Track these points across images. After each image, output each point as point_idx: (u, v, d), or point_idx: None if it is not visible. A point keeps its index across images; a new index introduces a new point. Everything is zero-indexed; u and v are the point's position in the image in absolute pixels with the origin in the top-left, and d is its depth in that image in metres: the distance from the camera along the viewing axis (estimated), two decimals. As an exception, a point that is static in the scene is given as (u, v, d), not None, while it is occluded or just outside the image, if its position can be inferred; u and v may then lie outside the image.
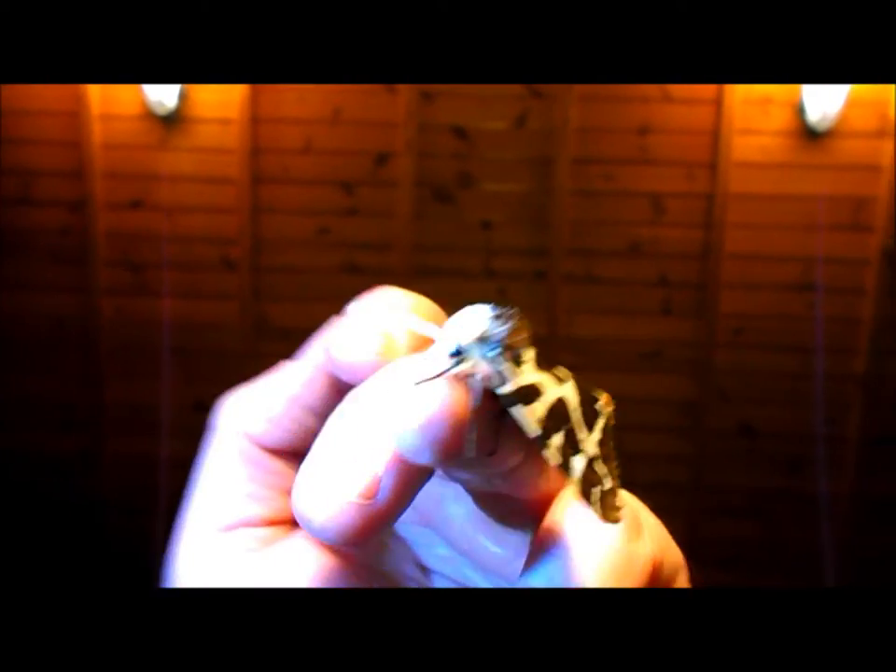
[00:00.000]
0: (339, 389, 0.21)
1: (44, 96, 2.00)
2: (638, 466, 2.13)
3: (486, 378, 0.19)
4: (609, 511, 0.20)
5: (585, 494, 0.19)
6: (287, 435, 0.22)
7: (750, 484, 2.09)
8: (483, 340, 0.20)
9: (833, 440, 2.03)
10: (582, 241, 2.04)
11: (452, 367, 0.19)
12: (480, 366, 0.19)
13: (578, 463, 0.20)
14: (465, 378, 0.19)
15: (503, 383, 0.20)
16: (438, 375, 0.18)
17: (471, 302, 0.22)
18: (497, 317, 0.20)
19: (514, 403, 0.20)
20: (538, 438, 0.19)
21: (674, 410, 2.10)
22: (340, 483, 0.18)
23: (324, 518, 0.18)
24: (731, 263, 2.00)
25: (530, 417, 0.20)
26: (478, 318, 0.20)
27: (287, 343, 1.67)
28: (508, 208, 2.05)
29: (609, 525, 0.19)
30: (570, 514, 0.20)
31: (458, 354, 0.19)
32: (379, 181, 2.04)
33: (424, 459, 0.17)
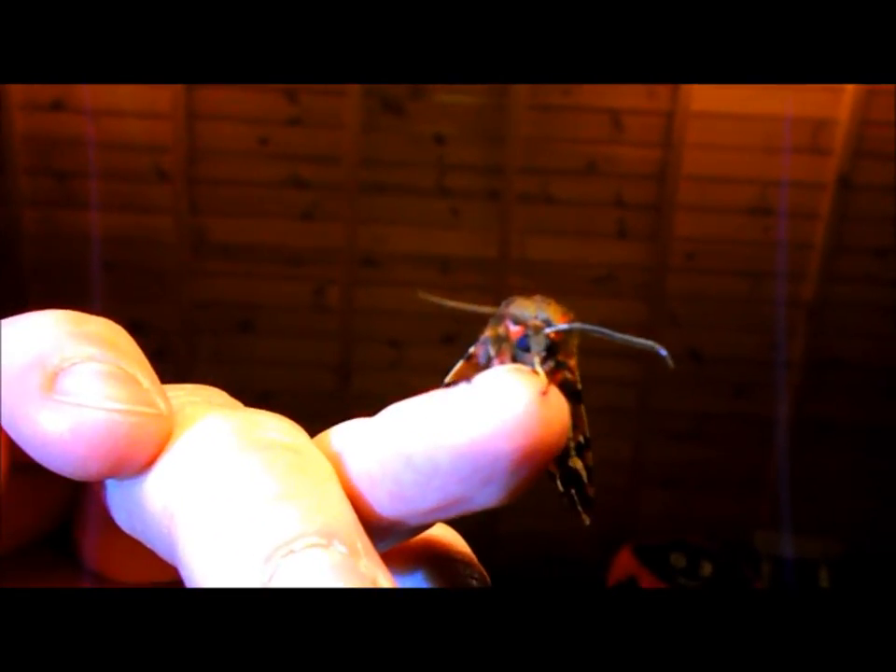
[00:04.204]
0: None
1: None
2: (587, 389, 2.12)
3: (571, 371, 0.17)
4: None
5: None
6: None
7: (696, 408, 2.12)
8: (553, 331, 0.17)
9: (778, 364, 2.06)
10: (538, 159, 1.96)
11: (544, 360, 0.17)
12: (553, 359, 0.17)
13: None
14: (552, 372, 0.17)
15: (575, 377, 0.18)
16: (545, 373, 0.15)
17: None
18: (548, 304, 0.18)
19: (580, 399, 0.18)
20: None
21: (623, 333, 2.09)
22: None
23: None
24: (687, 185, 1.96)
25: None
26: (540, 306, 0.18)
27: (228, 259, 1.57)
28: (461, 122, 1.96)
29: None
30: None
31: (551, 349, 0.17)
32: (325, 89, 1.91)
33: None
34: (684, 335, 2.07)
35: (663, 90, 1.91)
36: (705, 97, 1.91)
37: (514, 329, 0.17)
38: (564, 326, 0.17)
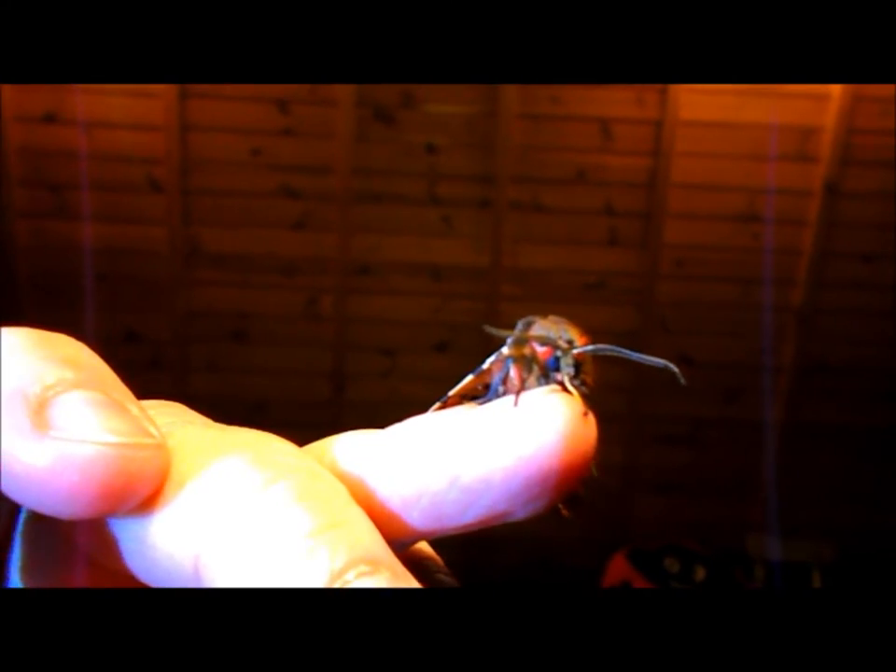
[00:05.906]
0: None
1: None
2: (580, 396, 2.13)
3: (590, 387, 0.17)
4: None
5: None
6: None
7: (688, 413, 2.13)
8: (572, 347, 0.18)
9: (768, 369, 2.07)
10: (528, 167, 1.98)
11: (569, 377, 0.16)
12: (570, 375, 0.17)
13: None
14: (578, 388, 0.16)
15: (591, 393, 0.17)
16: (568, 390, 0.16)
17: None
18: (568, 325, 0.18)
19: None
20: None
21: (615, 340, 2.09)
22: None
23: None
24: (677, 192, 1.98)
25: None
26: (561, 326, 0.18)
27: (221, 269, 1.58)
28: (452, 131, 1.97)
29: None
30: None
31: (577, 368, 0.17)
32: (316, 99, 1.92)
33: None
34: (675, 341, 2.08)
35: (651, 98, 1.93)
36: (693, 105, 1.92)
37: (542, 350, 0.17)
38: (590, 347, 0.18)
